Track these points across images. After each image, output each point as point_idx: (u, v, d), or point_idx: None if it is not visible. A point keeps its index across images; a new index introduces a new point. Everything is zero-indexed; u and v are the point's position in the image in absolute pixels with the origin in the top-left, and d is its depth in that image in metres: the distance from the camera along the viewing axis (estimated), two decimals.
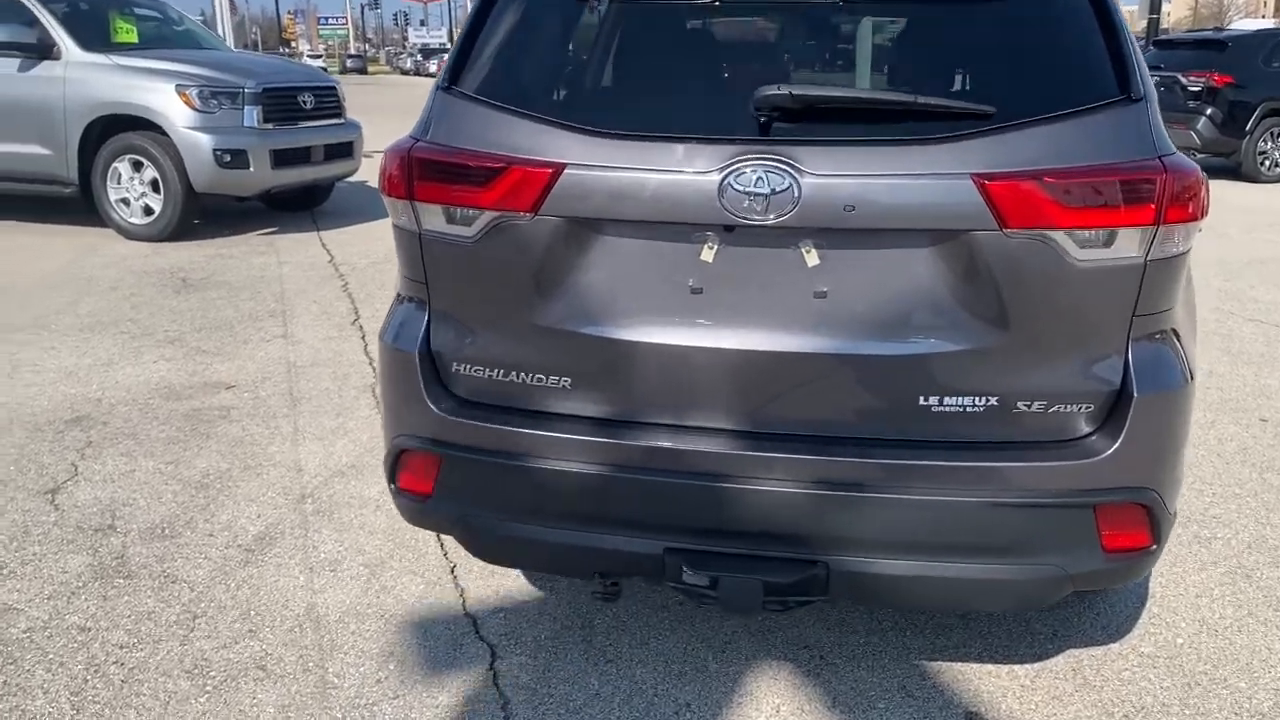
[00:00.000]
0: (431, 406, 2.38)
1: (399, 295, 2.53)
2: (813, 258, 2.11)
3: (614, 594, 2.45)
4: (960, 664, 2.77)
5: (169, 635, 2.86)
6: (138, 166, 8.33)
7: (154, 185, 8.32)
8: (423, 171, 2.27)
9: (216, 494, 3.75)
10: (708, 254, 2.14)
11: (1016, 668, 2.76)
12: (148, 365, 5.21)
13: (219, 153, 8.15)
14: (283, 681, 2.67)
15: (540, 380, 2.33)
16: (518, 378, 2.34)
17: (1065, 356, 2.15)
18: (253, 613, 2.99)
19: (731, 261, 2.15)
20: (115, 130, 8.35)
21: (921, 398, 2.16)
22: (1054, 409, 2.17)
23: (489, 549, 2.50)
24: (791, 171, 2.05)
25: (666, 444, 2.23)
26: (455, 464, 2.38)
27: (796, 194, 2.04)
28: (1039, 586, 2.23)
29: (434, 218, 2.30)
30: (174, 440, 4.25)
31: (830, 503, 2.17)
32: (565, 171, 2.15)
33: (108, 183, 8.41)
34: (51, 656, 2.76)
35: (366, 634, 2.89)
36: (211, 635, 2.87)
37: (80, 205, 8.75)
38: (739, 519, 2.22)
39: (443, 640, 2.87)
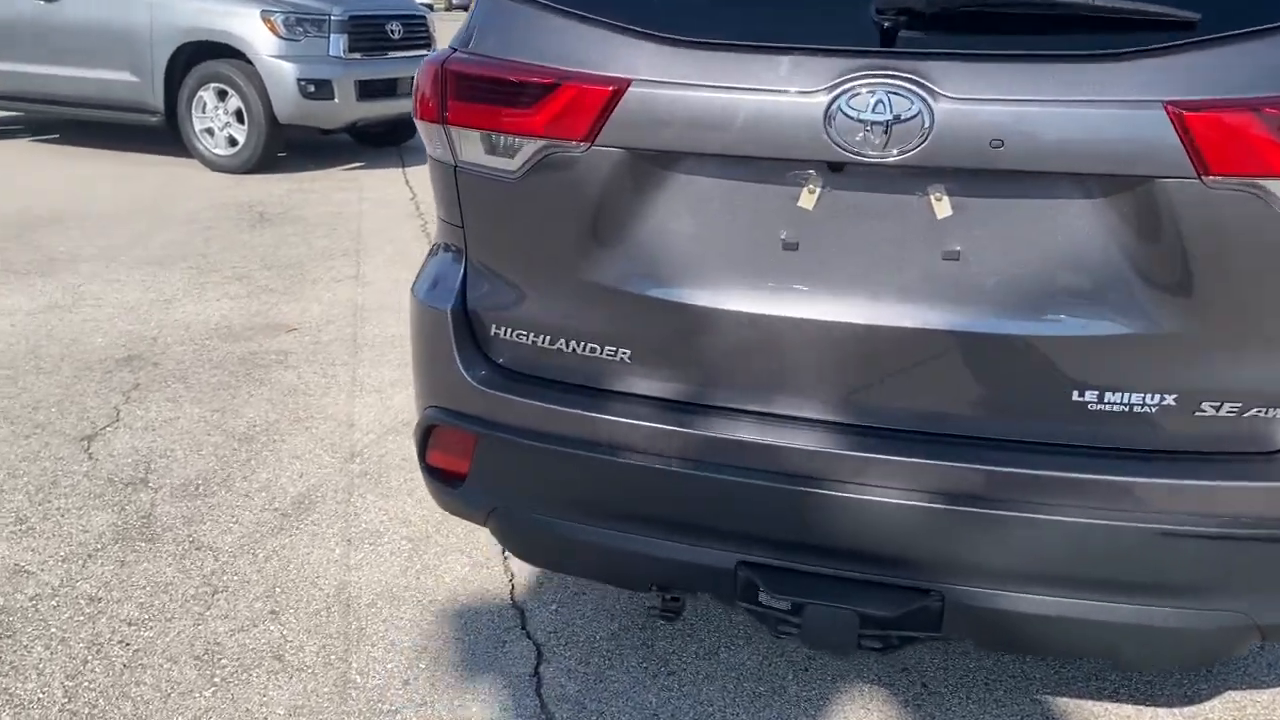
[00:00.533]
0: (465, 375, 1.98)
1: (435, 243, 2.14)
2: (944, 207, 1.64)
3: (674, 612, 2.05)
4: (1092, 702, 2.29)
5: (183, 612, 2.56)
6: (223, 96, 8.12)
7: (238, 115, 8.10)
8: (458, 88, 1.86)
9: (260, 448, 3.45)
10: (807, 199, 1.68)
11: (1161, 711, 2.28)
12: (210, 303, 4.96)
13: (303, 83, 7.88)
14: (299, 677, 2.34)
15: (594, 351, 1.91)
16: (568, 347, 1.93)
17: (1271, 346, 1.65)
18: (278, 590, 2.67)
19: (837, 210, 1.69)
20: (202, 58, 8.13)
21: (1077, 392, 1.68)
22: (1251, 413, 1.67)
23: (528, 548, 2.12)
24: (921, 93, 1.57)
25: (745, 436, 1.80)
26: (492, 445, 1.98)
27: (927, 123, 1.56)
28: (1216, 637, 1.75)
29: (472, 147, 1.88)
30: (224, 386, 3.97)
31: (951, 518, 1.72)
32: (629, 90, 1.70)
33: (193, 112, 8.22)
34: (54, 631, 2.48)
35: (400, 622, 2.55)
36: (229, 615, 2.56)
37: (167, 135, 8.60)
38: (833, 532, 1.78)
39: (484, 636, 2.51)
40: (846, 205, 1.68)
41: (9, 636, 2.46)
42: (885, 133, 1.58)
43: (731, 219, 1.75)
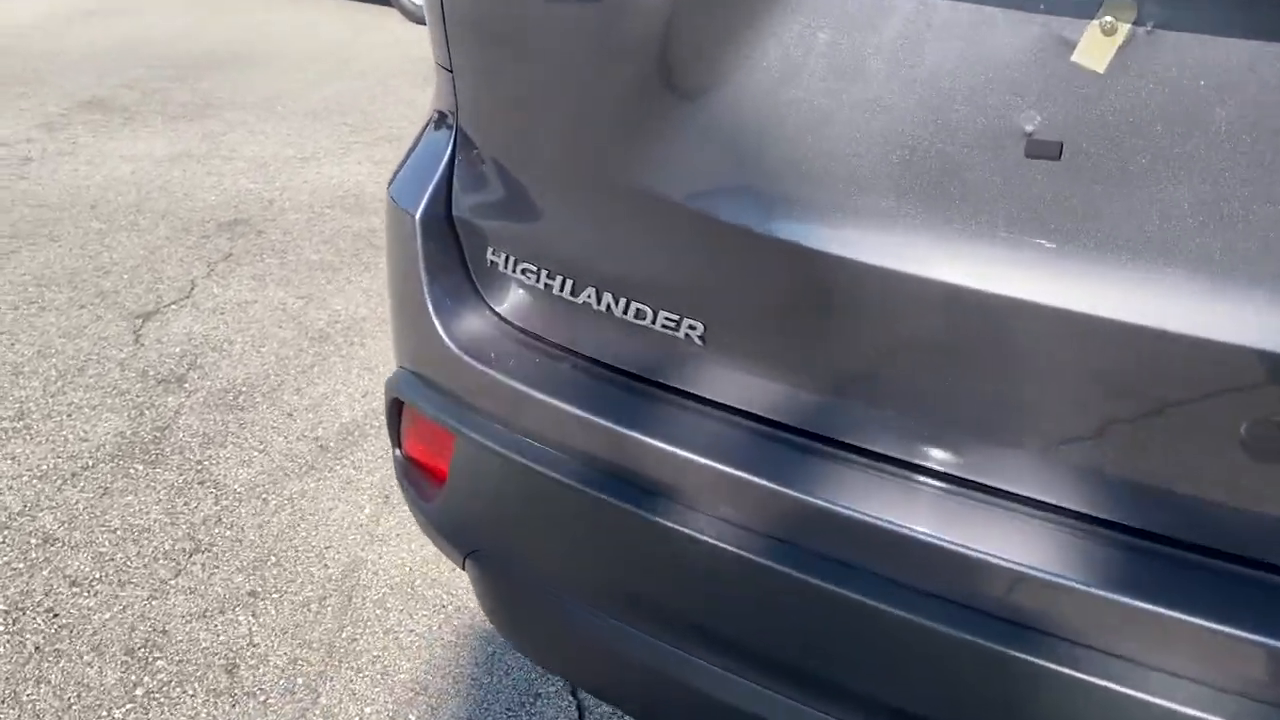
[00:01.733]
0: (440, 328, 1.18)
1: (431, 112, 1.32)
2: None
3: None
4: None
5: (144, 576, 1.95)
6: None
7: None
8: None
9: (330, 352, 2.80)
10: (1096, 49, 0.74)
11: None
12: (349, 166, 4.35)
13: None
14: (243, 706, 1.68)
15: (643, 316, 1.05)
16: (600, 301, 1.08)
17: None
18: (272, 560, 2.01)
19: (1159, 83, 0.73)
20: None
21: None
22: None
23: (514, 627, 1.32)
24: None
25: (919, 526, 0.91)
26: (475, 452, 1.18)
27: None
28: None
29: None
30: (324, 267, 3.35)
31: None
32: None
33: None
34: None
35: (407, 636, 1.84)
36: (196, 590, 1.92)
37: None
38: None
39: (511, 679, 1.76)
40: (1183, 74, 0.73)
41: None
42: None
43: (932, 86, 0.82)
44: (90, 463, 2.27)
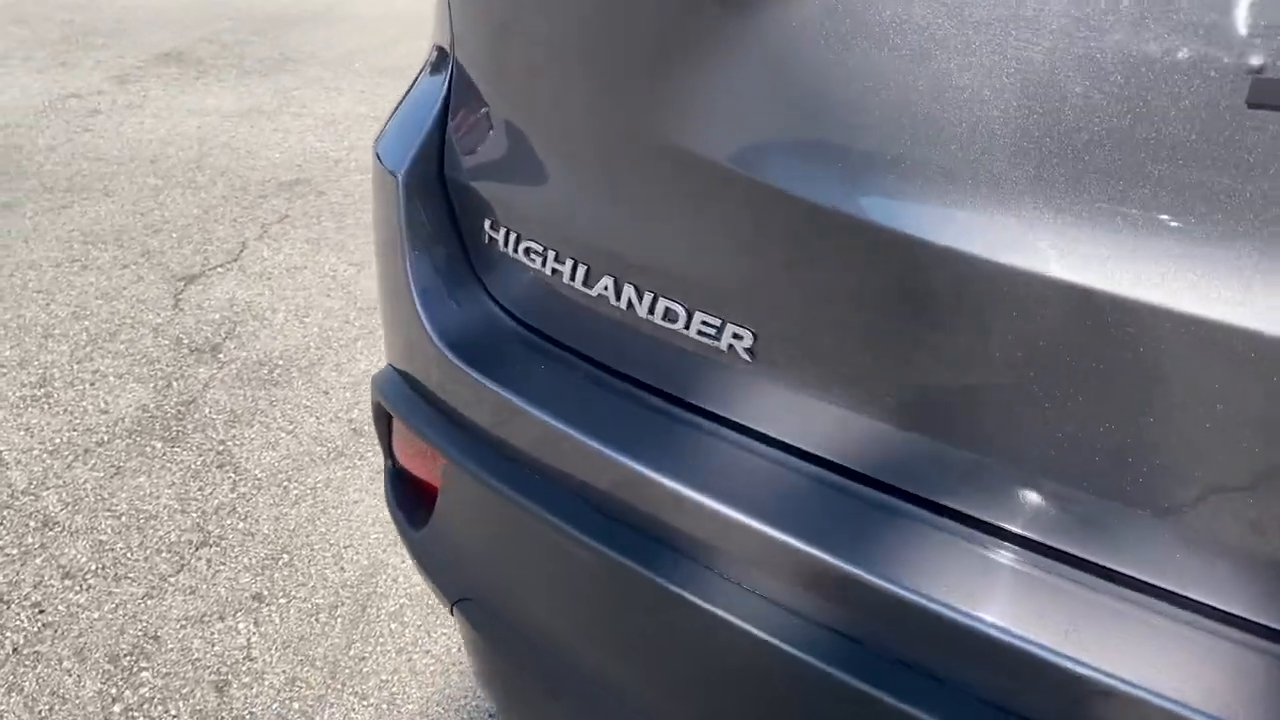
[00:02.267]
0: (425, 320, 0.93)
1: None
2: None
3: None
4: None
5: (143, 571, 1.76)
6: None
7: None
8: None
9: (376, 326, 2.60)
10: None
11: None
12: None
13: None
14: None
15: (673, 317, 0.79)
16: (619, 296, 0.82)
17: None
18: (284, 558, 1.81)
19: None
20: None
21: None
22: None
23: (498, 691, 1.07)
24: None
25: (998, 629, 0.63)
26: (468, 480, 0.92)
27: None
28: None
29: None
30: None
31: None
32: None
33: None
34: None
35: (422, 659, 1.62)
36: (197, 590, 1.73)
37: None
38: None
39: None
40: None
41: None
42: None
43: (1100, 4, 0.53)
44: (106, 438, 2.09)
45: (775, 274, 0.71)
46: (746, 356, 0.76)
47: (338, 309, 2.67)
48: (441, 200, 0.94)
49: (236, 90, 4.45)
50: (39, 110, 4.01)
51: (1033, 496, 0.68)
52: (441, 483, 0.98)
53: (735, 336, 0.76)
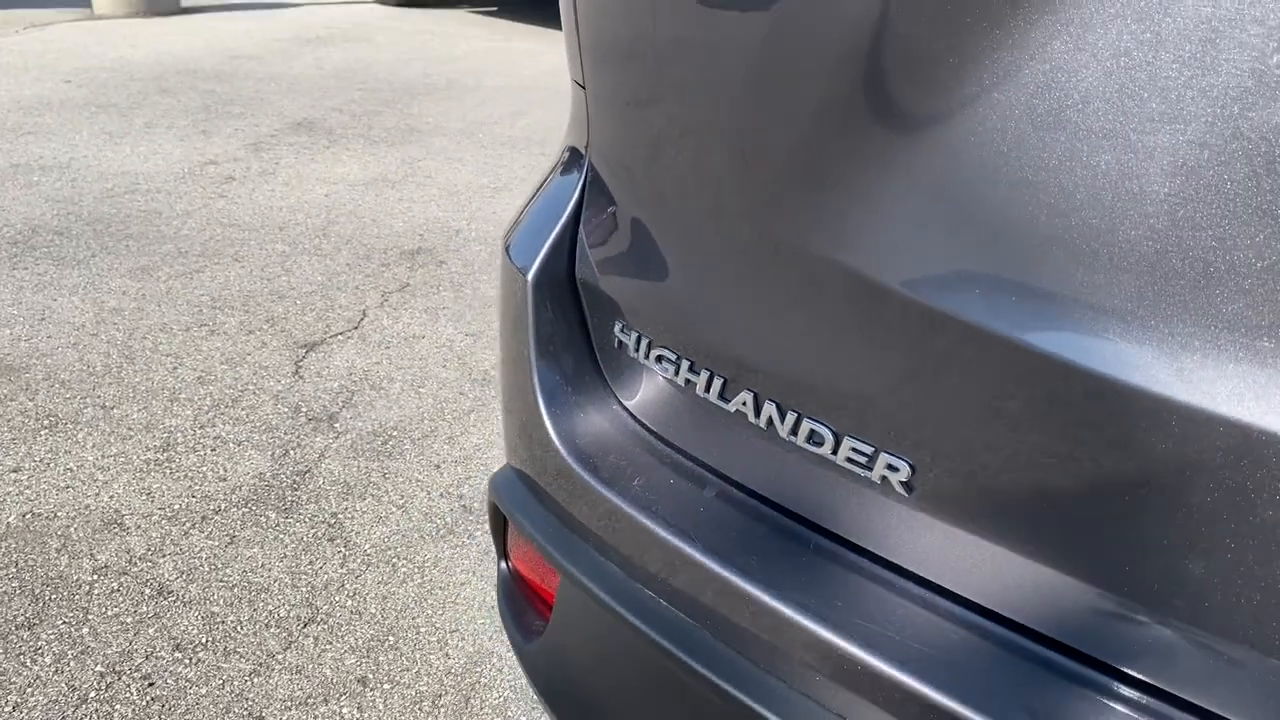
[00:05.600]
0: (547, 421, 0.88)
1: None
2: None
3: None
4: None
5: (249, 650, 1.75)
6: None
7: None
8: None
9: (490, 399, 2.59)
10: None
11: None
12: None
13: None
14: None
15: (819, 440, 0.73)
16: (759, 414, 0.76)
17: None
18: (390, 640, 1.77)
19: None
20: None
21: None
22: None
23: None
24: None
25: None
26: (580, 595, 0.87)
27: None
28: None
29: None
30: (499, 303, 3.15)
31: None
32: None
33: None
34: (84, 633, 1.77)
35: None
36: (303, 671, 1.71)
37: None
38: None
39: None
40: None
41: (34, 624, 1.78)
42: None
43: None
44: (224, 505, 2.11)
45: (941, 403, 0.64)
46: (901, 490, 0.69)
47: (452, 380, 2.67)
48: (571, 302, 0.90)
49: (364, 159, 4.58)
50: (179, 176, 4.19)
51: (1230, 671, 0.58)
52: (557, 596, 0.92)
53: (890, 468, 0.69)
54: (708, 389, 0.79)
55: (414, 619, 1.83)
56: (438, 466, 2.29)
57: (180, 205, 3.85)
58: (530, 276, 0.89)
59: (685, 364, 0.81)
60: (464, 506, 2.15)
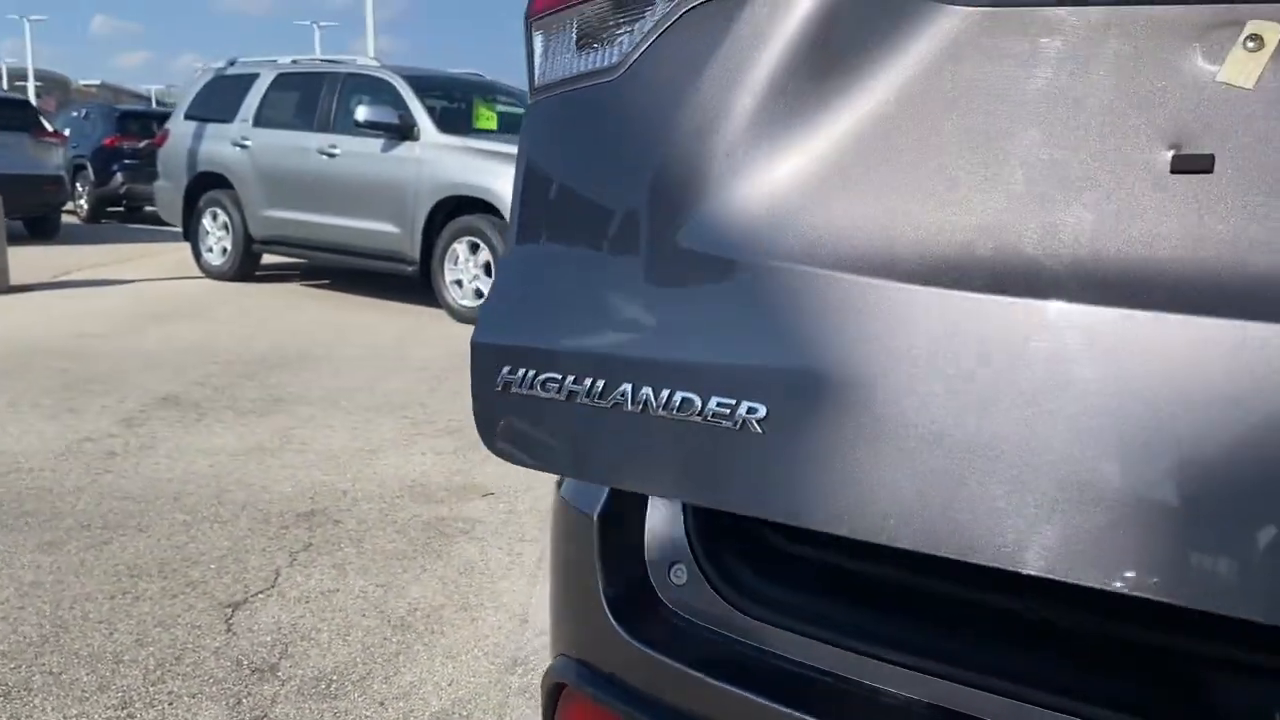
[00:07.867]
0: (617, 628, 1.29)
1: None
2: None
3: None
4: None
5: None
6: (474, 249, 8.14)
7: (486, 269, 8.07)
8: None
9: (413, 640, 2.90)
10: (1238, 68, 0.74)
11: None
12: (414, 457, 4.59)
13: None
14: None
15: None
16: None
17: None
18: None
19: None
20: (460, 212, 8.24)
21: None
22: None
23: None
24: None
25: None
26: None
27: None
28: None
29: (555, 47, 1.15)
30: (400, 556, 3.49)
31: None
32: None
33: (445, 264, 8.29)
34: None
35: None
36: None
37: (420, 285, 8.73)
38: None
39: None
40: None
41: None
42: None
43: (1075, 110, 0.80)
44: None
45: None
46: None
47: (375, 627, 2.97)
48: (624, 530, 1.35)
49: (237, 430, 4.87)
50: (58, 454, 4.36)
51: None
52: None
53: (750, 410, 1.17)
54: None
55: None
56: (382, 703, 2.57)
57: (69, 481, 4.02)
58: (596, 514, 1.34)
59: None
60: None
